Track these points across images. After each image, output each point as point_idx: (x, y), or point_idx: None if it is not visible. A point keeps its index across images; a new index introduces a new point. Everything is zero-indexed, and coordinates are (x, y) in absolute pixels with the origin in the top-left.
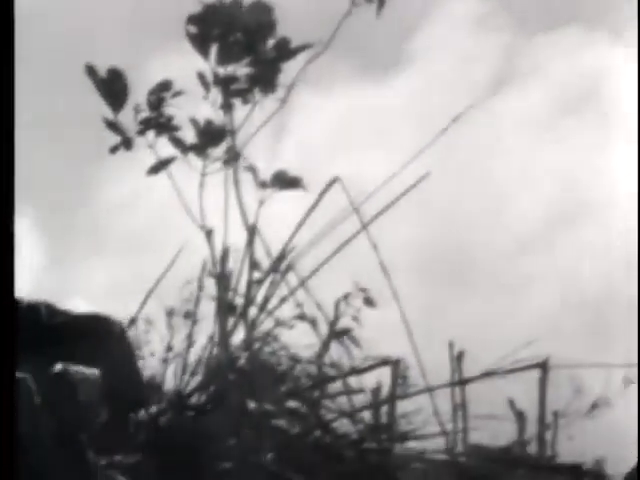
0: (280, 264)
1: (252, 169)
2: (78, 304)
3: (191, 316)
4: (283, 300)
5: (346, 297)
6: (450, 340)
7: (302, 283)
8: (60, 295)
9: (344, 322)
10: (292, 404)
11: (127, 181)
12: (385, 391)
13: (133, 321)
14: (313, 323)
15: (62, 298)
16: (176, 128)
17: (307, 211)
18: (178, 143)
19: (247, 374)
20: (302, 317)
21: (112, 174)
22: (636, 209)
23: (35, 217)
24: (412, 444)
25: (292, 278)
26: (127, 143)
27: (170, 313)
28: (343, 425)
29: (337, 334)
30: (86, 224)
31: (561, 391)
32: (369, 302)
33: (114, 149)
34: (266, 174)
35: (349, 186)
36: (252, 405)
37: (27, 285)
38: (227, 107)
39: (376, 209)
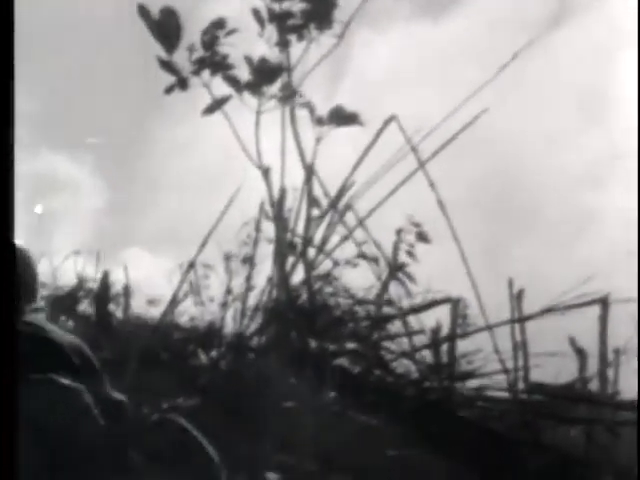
0: (338, 203)
1: (308, 106)
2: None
3: (249, 259)
4: (342, 240)
5: (399, 232)
6: (510, 277)
7: (360, 223)
8: (122, 240)
9: (400, 259)
10: (352, 344)
11: (184, 122)
12: (445, 330)
13: (191, 266)
14: (372, 261)
15: (124, 243)
16: (231, 67)
17: (364, 150)
18: (233, 82)
19: (307, 314)
20: (361, 256)
21: (169, 115)
22: (636, 208)
23: (95, 162)
24: (473, 383)
25: (350, 218)
26: (182, 83)
27: (228, 257)
28: (403, 365)
29: (392, 269)
30: (145, 167)
31: (622, 327)
32: (422, 237)
33: (169, 89)
34: (323, 111)
35: (406, 124)
36: (312, 345)
37: (90, 231)
38: (282, 44)
39: (434, 147)
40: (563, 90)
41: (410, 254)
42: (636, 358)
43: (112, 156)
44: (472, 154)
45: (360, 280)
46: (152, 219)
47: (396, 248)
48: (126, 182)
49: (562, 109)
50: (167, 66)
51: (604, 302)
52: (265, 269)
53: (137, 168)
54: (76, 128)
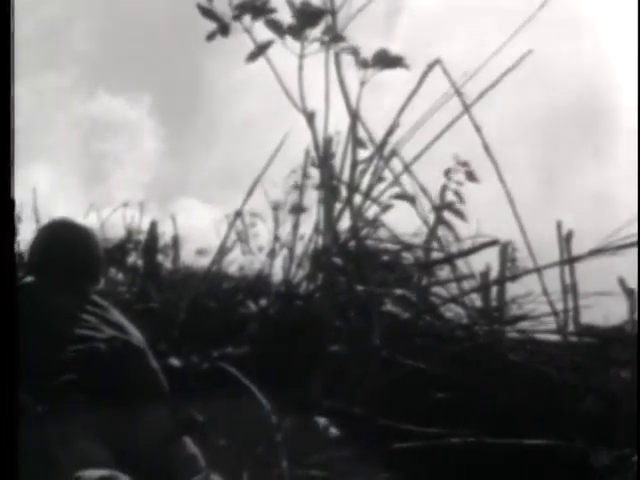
0: (384, 149)
1: (352, 49)
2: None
3: (296, 206)
4: (388, 186)
5: (447, 172)
6: (558, 219)
7: (406, 168)
8: (170, 190)
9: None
10: (400, 290)
11: (228, 69)
12: (494, 274)
13: (238, 214)
14: (417, 204)
15: (172, 194)
16: (272, 10)
17: (409, 94)
18: (275, 26)
19: (355, 260)
20: (408, 198)
21: (213, 63)
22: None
23: (152, 105)
24: (522, 326)
25: (396, 163)
26: (223, 29)
27: (276, 205)
28: (452, 310)
29: (440, 208)
30: (192, 116)
31: None
32: (471, 176)
33: (210, 36)
34: (367, 54)
35: (451, 67)
36: (361, 290)
37: (139, 179)
38: None
39: (479, 90)
40: (609, 27)
41: (458, 194)
42: None
43: (164, 104)
44: (517, 96)
45: (408, 225)
46: (199, 168)
47: (443, 192)
48: (175, 131)
49: (607, 47)
50: (208, 13)
51: None
52: (312, 216)
53: (185, 117)
54: (128, 73)
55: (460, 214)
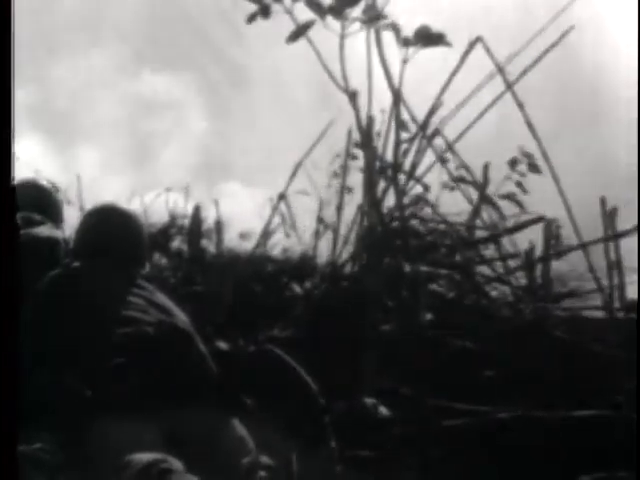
0: (426, 128)
1: (394, 27)
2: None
3: (340, 187)
4: (432, 165)
5: (513, 163)
6: (602, 196)
7: (449, 147)
8: (213, 174)
9: (505, 188)
10: (446, 269)
11: (271, 49)
12: (538, 252)
13: (282, 197)
14: (467, 184)
15: (215, 177)
16: None
17: (451, 73)
18: (315, 6)
19: (400, 239)
20: (455, 180)
21: (256, 43)
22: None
23: (197, 84)
24: (568, 303)
25: (439, 142)
26: (264, 10)
27: (319, 188)
28: (498, 289)
29: (501, 198)
30: (236, 97)
31: None
32: (534, 168)
33: (251, 18)
34: (408, 32)
35: (493, 46)
36: (407, 269)
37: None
38: None
39: (521, 67)
40: None
41: (520, 185)
42: None
43: (209, 84)
44: (560, 73)
45: (452, 205)
46: (243, 150)
47: (486, 171)
48: (220, 110)
49: None
50: None
51: None
52: (356, 198)
53: (229, 98)
54: (173, 52)
55: (521, 205)
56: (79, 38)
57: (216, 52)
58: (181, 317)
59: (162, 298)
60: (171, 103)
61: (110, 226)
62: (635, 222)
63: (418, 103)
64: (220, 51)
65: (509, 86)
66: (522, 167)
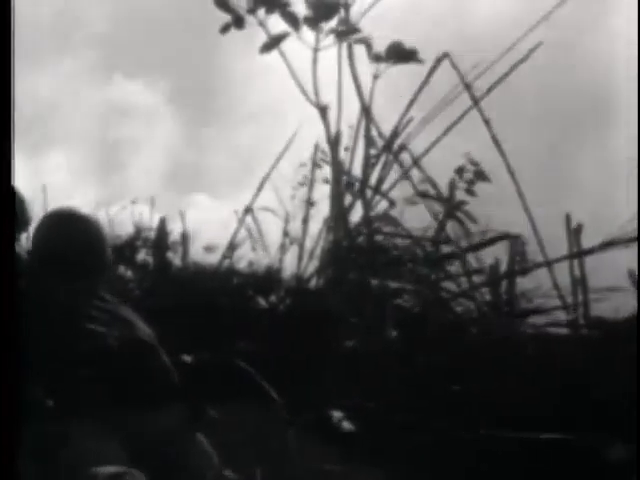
0: (393, 143)
1: (366, 42)
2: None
3: (306, 201)
4: (398, 180)
5: (460, 171)
6: (567, 213)
7: (415, 162)
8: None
9: (459, 198)
10: (411, 284)
11: (244, 60)
12: (503, 268)
13: (248, 210)
14: (430, 198)
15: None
16: (287, 4)
17: (418, 88)
18: (290, 18)
19: (366, 253)
20: (420, 195)
21: (229, 53)
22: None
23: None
24: (533, 319)
25: (406, 157)
26: (238, 22)
27: (284, 200)
28: (463, 304)
29: (453, 207)
30: (202, 109)
31: None
32: (481, 176)
33: (225, 28)
34: (381, 49)
35: (459, 62)
36: (372, 285)
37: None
38: None
39: (488, 84)
40: (617, 24)
41: (469, 192)
42: None
43: (182, 90)
44: (527, 90)
45: (417, 220)
46: (213, 161)
47: (452, 187)
48: (191, 119)
49: (614, 43)
50: (223, 5)
51: None
52: (322, 211)
53: (202, 105)
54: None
55: (470, 216)
56: (48, 41)
57: (190, 60)
58: (144, 329)
59: (125, 310)
60: (142, 110)
61: (64, 233)
62: (599, 240)
63: (386, 118)
64: (194, 59)
65: (475, 102)
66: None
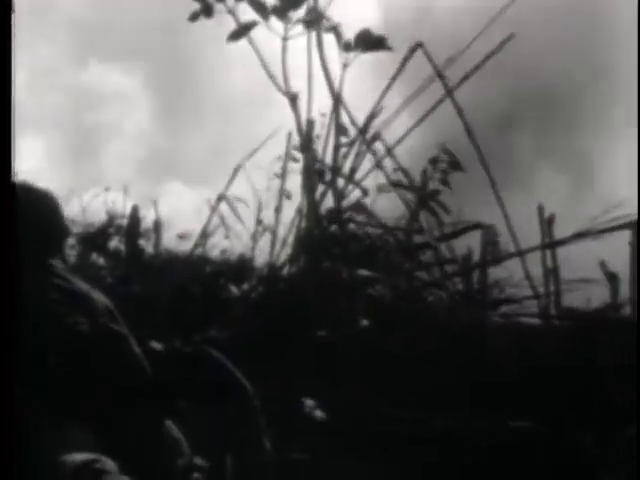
0: (366, 132)
1: (335, 30)
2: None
3: (279, 190)
4: (370, 169)
5: (434, 161)
6: (540, 203)
7: (389, 152)
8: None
9: (432, 187)
10: (383, 274)
11: (218, 48)
12: (476, 258)
13: (220, 198)
14: (402, 188)
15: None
16: None
17: (391, 78)
18: (259, 7)
19: (338, 243)
20: (393, 184)
21: (195, 43)
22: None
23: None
24: (505, 309)
25: (379, 147)
26: (207, 10)
27: (258, 189)
28: (435, 294)
29: (426, 197)
30: (184, 88)
31: None
32: (455, 165)
33: (194, 16)
34: (350, 36)
35: (433, 51)
36: (344, 274)
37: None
38: None
39: (462, 73)
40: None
41: (444, 182)
42: None
43: (157, 78)
44: (499, 80)
45: (391, 209)
46: (186, 148)
47: (425, 177)
48: (167, 104)
49: (587, 29)
50: None
51: (635, 227)
52: (296, 200)
53: (177, 91)
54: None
55: (443, 206)
56: (21, 23)
57: (165, 46)
58: (102, 300)
59: (82, 285)
60: (117, 95)
61: (22, 207)
62: (571, 231)
63: (360, 107)
64: (170, 45)
65: (449, 92)
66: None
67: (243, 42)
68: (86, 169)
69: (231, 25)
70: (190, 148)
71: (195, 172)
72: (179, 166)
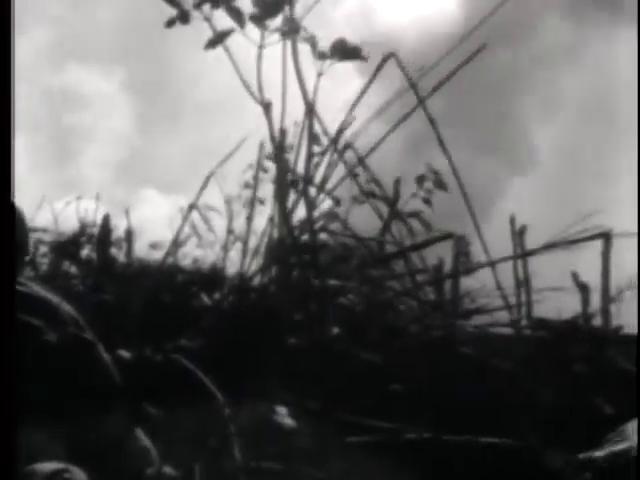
0: (338, 141)
1: (311, 39)
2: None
3: (251, 199)
4: (342, 179)
5: (420, 180)
6: (511, 214)
7: (361, 161)
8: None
9: (413, 204)
10: (354, 283)
11: (191, 53)
12: (447, 268)
13: (192, 208)
14: (375, 198)
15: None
16: None
17: (363, 87)
18: (236, 15)
19: (309, 252)
20: (366, 194)
21: (172, 51)
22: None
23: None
24: (476, 320)
25: (350, 156)
26: (183, 16)
27: (229, 198)
28: (406, 303)
29: (408, 216)
30: (162, 92)
31: (626, 263)
32: (441, 185)
33: (170, 23)
34: (325, 45)
35: (406, 61)
36: (316, 283)
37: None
38: None
39: (433, 84)
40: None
41: (427, 202)
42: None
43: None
44: (472, 90)
45: (362, 220)
46: (164, 156)
47: (397, 187)
48: (145, 112)
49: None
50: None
51: (606, 237)
52: (268, 209)
53: (155, 95)
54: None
55: (427, 224)
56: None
57: (145, 49)
58: (69, 312)
59: (48, 294)
60: (95, 98)
61: None
62: (542, 241)
63: (333, 117)
64: (149, 49)
65: (420, 102)
66: (429, 184)
67: (221, 48)
68: (62, 173)
69: (209, 30)
70: (166, 153)
71: (170, 179)
72: (154, 172)
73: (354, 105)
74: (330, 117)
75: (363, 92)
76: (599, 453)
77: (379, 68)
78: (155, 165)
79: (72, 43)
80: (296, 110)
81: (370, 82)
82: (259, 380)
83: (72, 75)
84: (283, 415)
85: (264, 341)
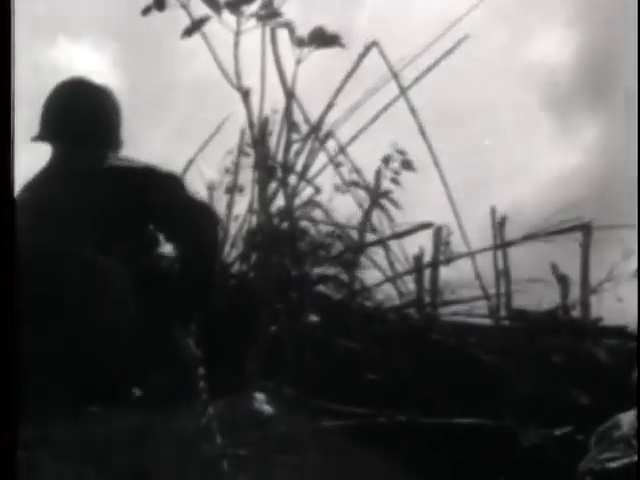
0: (319, 130)
1: (289, 26)
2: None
3: (231, 187)
4: (323, 167)
5: (386, 160)
6: (492, 205)
7: (342, 150)
8: None
9: (384, 186)
10: (334, 270)
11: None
12: (427, 258)
13: None
14: (356, 186)
15: None
16: None
17: (345, 76)
18: (211, 1)
19: (289, 240)
20: (346, 183)
21: (150, 38)
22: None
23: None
24: (455, 309)
25: (332, 145)
26: (159, 4)
27: (210, 185)
28: (385, 292)
29: (378, 196)
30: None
31: (606, 254)
32: (408, 165)
33: (146, 10)
34: (304, 32)
35: (388, 51)
36: (295, 271)
37: None
38: None
39: (416, 74)
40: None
41: (395, 181)
42: (621, 286)
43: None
44: (454, 80)
45: (343, 208)
46: (146, 140)
47: (379, 176)
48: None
49: (544, 35)
50: None
51: (586, 228)
52: (247, 197)
53: (145, 75)
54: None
55: (395, 203)
56: None
57: (138, 26)
58: None
59: None
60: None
61: (66, 100)
62: (523, 232)
63: (315, 105)
64: (142, 27)
65: (402, 91)
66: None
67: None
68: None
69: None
70: (154, 137)
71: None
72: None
73: (336, 93)
74: (315, 106)
75: (345, 80)
76: (613, 464)
77: (362, 57)
78: (141, 148)
79: (65, 17)
80: (279, 98)
81: (352, 71)
82: (237, 367)
83: (63, 50)
84: (262, 402)
85: (244, 328)
